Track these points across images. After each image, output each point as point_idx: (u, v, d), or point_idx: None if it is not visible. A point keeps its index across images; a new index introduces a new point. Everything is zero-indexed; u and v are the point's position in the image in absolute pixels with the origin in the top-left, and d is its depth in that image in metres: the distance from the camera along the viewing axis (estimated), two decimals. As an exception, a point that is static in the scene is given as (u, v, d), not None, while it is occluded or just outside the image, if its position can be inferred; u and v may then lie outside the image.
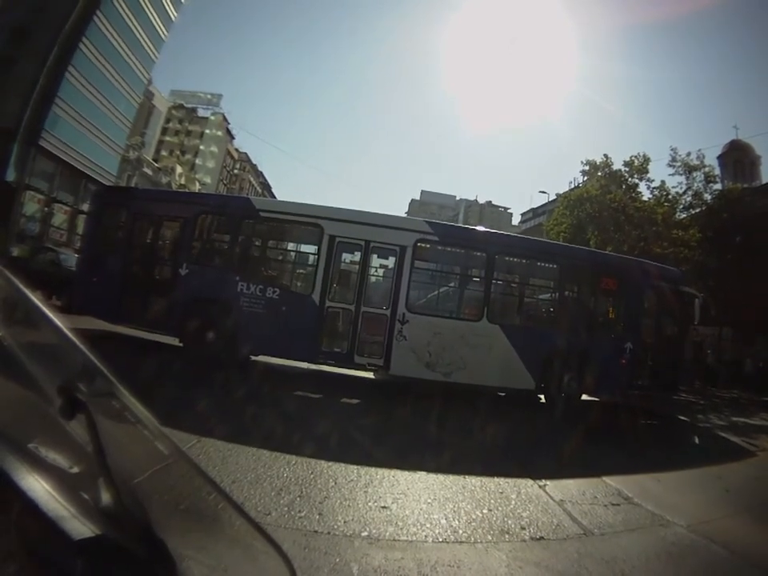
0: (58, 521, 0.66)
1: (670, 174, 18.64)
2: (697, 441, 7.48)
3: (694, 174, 17.90)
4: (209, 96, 55.65)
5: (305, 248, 8.51)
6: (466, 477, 3.86)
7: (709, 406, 11.61)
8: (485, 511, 3.28)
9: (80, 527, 0.67)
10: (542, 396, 8.08)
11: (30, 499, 0.66)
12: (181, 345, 7.46)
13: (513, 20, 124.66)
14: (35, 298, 0.76)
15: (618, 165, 19.84)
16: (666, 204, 18.30)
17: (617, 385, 8.05)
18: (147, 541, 0.69)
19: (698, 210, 18.04)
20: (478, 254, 8.22)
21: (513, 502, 3.51)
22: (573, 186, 28.10)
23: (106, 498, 0.70)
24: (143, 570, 0.70)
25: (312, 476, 3.48)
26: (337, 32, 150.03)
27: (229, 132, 56.76)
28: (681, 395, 10.59)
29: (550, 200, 35.85)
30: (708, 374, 14.94)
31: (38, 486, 0.68)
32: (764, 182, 24.90)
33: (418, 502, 3.30)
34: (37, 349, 0.77)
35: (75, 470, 0.78)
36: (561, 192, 26.01)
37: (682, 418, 9.34)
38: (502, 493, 3.68)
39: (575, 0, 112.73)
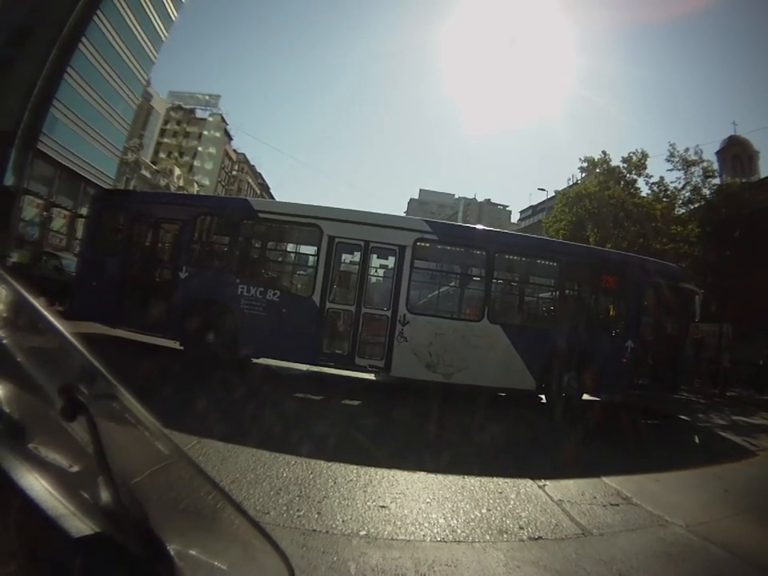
0: (58, 519, 0.67)
1: (668, 170, 18.54)
2: (697, 440, 7.48)
3: (693, 170, 17.86)
4: (207, 97, 55.56)
5: (304, 249, 8.51)
6: (465, 477, 3.87)
7: (709, 406, 11.60)
8: (483, 511, 3.29)
9: (79, 525, 0.68)
10: (543, 396, 8.09)
11: (30, 497, 0.67)
12: (181, 347, 7.48)
13: (511, 20, 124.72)
14: (36, 302, 0.77)
15: (616, 161, 19.84)
16: (664, 200, 18.28)
17: (618, 384, 8.03)
18: (146, 539, 0.70)
19: (696, 206, 18.03)
20: (478, 252, 8.20)
21: (511, 502, 3.51)
22: (571, 183, 28.07)
23: (105, 496, 0.71)
24: (142, 569, 0.70)
25: (311, 476, 3.49)
26: (336, 31, 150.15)
27: (227, 133, 56.68)
28: (682, 394, 10.59)
29: (548, 197, 35.85)
30: (719, 375, 14.78)
31: (37, 485, 0.69)
32: (762, 176, 24.77)
33: (417, 501, 3.31)
34: (38, 351, 0.78)
35: (75, 470, 0.79)
36: (560, 189, 25.93)
37: (683, 417, 9.34)
38: (500, 493, 3.69)
39: (574, 0, 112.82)
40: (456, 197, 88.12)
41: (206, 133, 54.56)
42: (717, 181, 18.54)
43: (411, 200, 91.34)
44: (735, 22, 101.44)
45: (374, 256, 7.90)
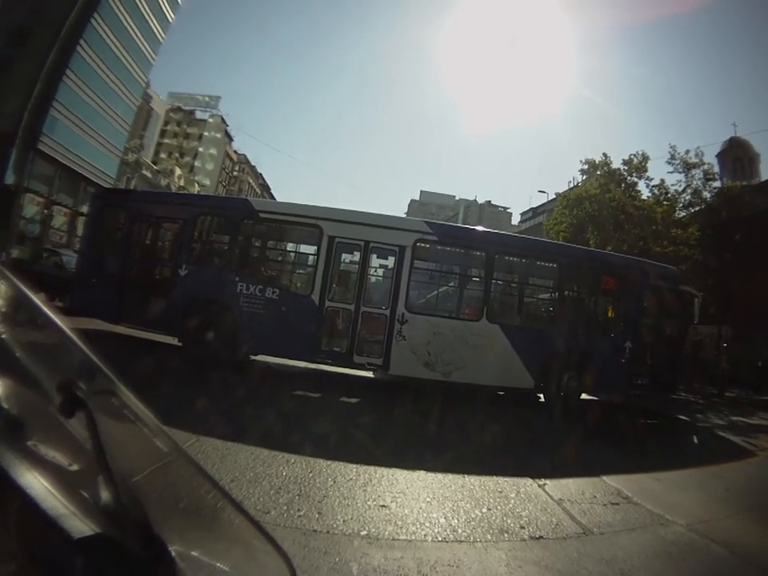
0: (57, 519, 0.66)
1: (669, 172, 18.66)
2: (696, 440, 7.48)
3: (693, 172, 17.86)
4: (207, 98, 55.58)
5: (304, 248, 8.54)
6: (465, 476, 3.86)
7: (708, 406, 11.60)
8: (484, 510, 3.28)
9: (79, 525, 0.67)
10: (542, 395, 8.10)
11: (29, 497, 0.66)
12: (180, 344, 7.48)
13: (511, 20, 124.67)
14: (35, 298, 0.76)
15: (617, 164, 19.84)
16: (665, 203, 18.28)
17: (616, 384, 8.08)
18: (146, 539, 0.69)
19: (697, 209, 18.02)
20: (478, 253, 8.23)
21: (512, 501, 3.51)
22: (572, 186, 28.09)
23: (105, 496, 0.70)
24: (142, 569, 0.69)
25: (311, 475, 3.49)
26: (335, 32, 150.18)
27: (227, 134, 56.72)
28: (680, 395, 10.60)
29: (549, 199, 35.89)
30: (717, 376, 14.77)
31: (37, 484, 0.68)
32: (763, 179, 24.80)
33: (417, 500, 3.30)
34: (37, 347, 0.77)
35: (74, 467, 0.78)
36: (560, 191, 25.96)
37: (682, 417, 9.34)
38: (501, 492, 3.68)
39: (574, 0, 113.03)
40: (456, 198, 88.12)
41: (206, 134, 54.62)
42: (717, 184, 18.59)
43: (412, 201, 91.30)
44: (735, 22, 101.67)
45: (374, 256, 7.92)
